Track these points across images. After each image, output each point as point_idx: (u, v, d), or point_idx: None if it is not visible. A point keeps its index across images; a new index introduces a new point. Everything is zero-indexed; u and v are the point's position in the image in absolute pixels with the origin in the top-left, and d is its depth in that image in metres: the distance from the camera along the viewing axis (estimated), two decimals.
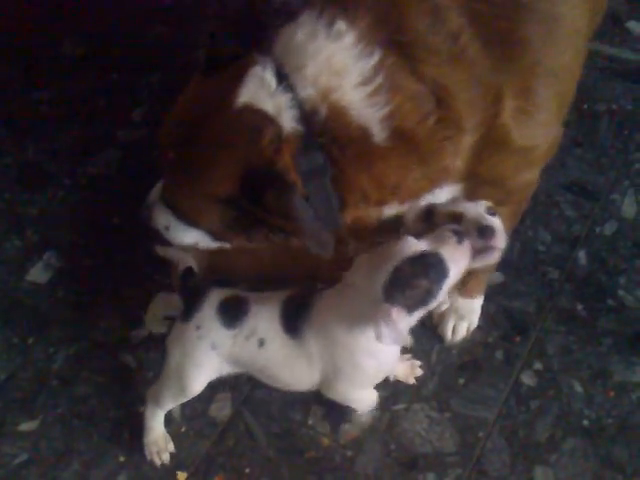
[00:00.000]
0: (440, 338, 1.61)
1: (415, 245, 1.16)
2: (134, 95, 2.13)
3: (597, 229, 1.77)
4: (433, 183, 1.09)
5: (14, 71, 2.22)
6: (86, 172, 1.98)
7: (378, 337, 1.15)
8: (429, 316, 1.63)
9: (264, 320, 1.33)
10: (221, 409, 1.54)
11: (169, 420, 1.52)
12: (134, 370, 1.61)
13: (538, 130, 1.09)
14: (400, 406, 1.52)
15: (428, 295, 1.16)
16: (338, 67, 0.97)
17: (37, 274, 1.80)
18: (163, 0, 2.36)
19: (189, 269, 1.39)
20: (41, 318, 1.72)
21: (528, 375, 1.55)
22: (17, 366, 1.64)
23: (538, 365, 1.57)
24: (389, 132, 0.99)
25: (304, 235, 1.02)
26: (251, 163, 0.98)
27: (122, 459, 1.50)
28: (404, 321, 1.16)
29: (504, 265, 1.71)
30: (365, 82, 0.97)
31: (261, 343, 1.32)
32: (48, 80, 2.20)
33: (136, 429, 1.50)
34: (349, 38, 0.96)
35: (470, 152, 1.04)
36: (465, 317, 1.59)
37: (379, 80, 0.96)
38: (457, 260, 1.17)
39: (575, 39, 1.07)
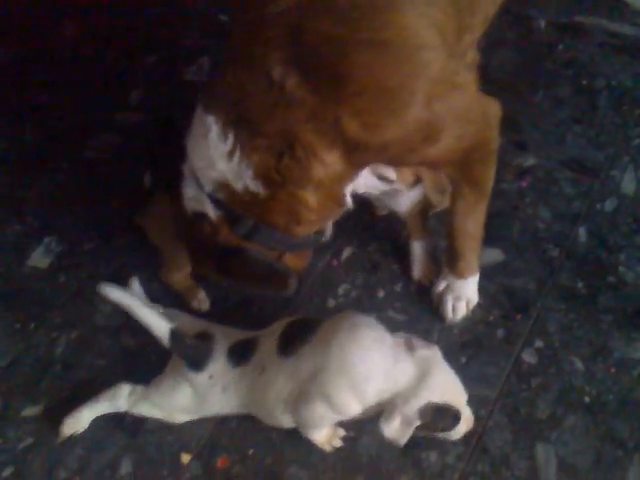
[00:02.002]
0: (441, 317, 1.61)
1: None
2: (131, 78, 2.12)
3: (597, 206, 1.76)
4: (334, 190, 1.27)
5: (10, 55, 2.21)
6: (84, 156, 1.97)
7: (385, 426, 1.26)
8: (429, 296, 1.65)
9: (267, 349, 1.39)
10: None
11: None
12: (136, 353, 1.62)
13: (396, 129, 1.18)
14: None
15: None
16: (212, 159, 1.22)
17: (38, 259, 1.80)
18: None
19: (173, 331, 1.42)
20: (43, 303, 1.72)
21: (529, 353, 1.56)
22: (19, 351, 1.65)
23: (539, 343, 1.57)
24: (262, 183, 1.22)
25: (264, 283, 1.37)
26: (209, 243, 1.32)
27: (125, 443, 1.51)
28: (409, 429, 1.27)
29: (504, 244, 1.71)
30: (229, 159, 1.21)
31: (263, 370, 1.38)
32: (44, 64, 2.19)
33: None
34: (215, 129, 1.20)
35: (344, 159, 1.20)
36: (462, 296, 1.59)
37: (237, 153, 1.20)
38: None
39: (418, 53, 1.13)
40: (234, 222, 1.28)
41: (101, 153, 1.97)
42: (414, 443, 1.44)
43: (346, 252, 1.75)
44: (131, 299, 1.47)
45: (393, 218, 1.69)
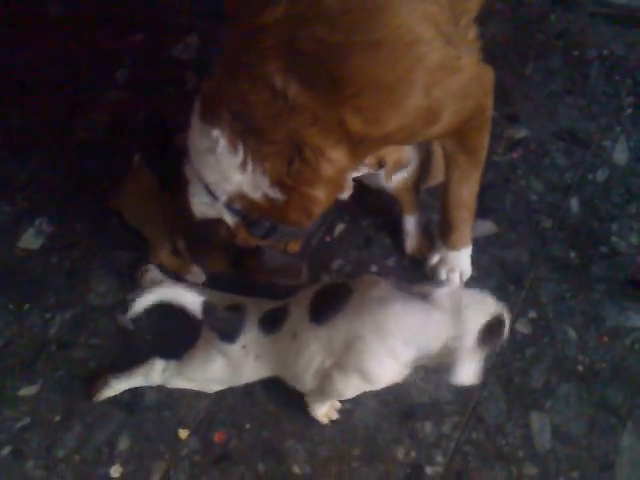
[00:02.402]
0: None
1: None
2: (118, 56, 2.10)
3: (589, 176, 1.77)
4: (340, 182, 1.29)
5: None
6: (73, 136, 1.95)
7: (456, 373, 1.26)
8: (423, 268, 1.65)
9: (298, 316, 1.40)
10: None
11: None
12: (131, 332, 1.62)
13: (398, 120, 1.20)
14: None
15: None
16: (225, 172, 1.23)
17: (29, 240, 1.79)
18: None
19: (205, 304, 1.43)
20: (36, 284, 1.72)
21: (523, 323, 1.57)
22: (14, 332, 1.65)
23: (532, 313, 1.58)
24: (279, 190, 1.24)
25: (281, 277, 1.41)
26: (225, 245, 1.35)
27: (123, 420, 1.51)
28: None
29: (497, 216, 1.71)
30: (243, 171, 1.22)
31: (294, 336, 1.38)
32: (30, 43, 2.16)
33: (136, 390, 1.52)
34: (222, 142, 1.21)
35: (350, 153, 1.23)
36: (455, 268, 1.60)
37: (250, 163, 1.21)
38: None
39: (413, 48, 1.15)
40: (251, 224, 1.30)
41: (90, 132, 1.95)
42: (409, 414, 1.46)
43: (339, 228, 1.75)
44: (158, 292, 1.45)
45: (385, 193, 1.68)
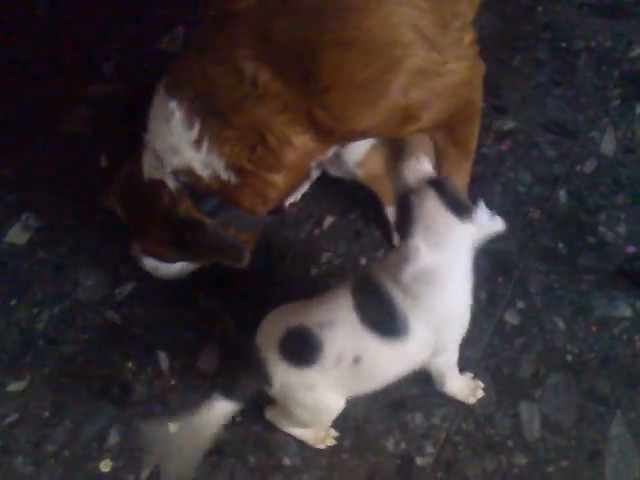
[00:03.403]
0: None
1: None
2: (104, 49, 2.08)
3: (577, 167, 1.77)
4: (304, 168, 1.30)
5: None
6: (59, 130, 1.94)
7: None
8: None
9: (346, 341, 1.22)
10: (209, 361, 1.55)
11: (159, 374, 1.54)
12: (120, 327, 1.61)
13: (371, 119, 1.21)
14: None
15: None
16: (176, 145, 1.24)
17: (16, 235, 1.78)
18: None
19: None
20: (23, 279, 1.71)
21: (511, 314, 1.57)
22: (1, 328, 1.64)
23: (521, 304, 1.58)
24: (235, 174, 1.24)
25: (221, 256, 1.36)
26: (166, 214, 1.31)
27: (113, 414, 1.51)
28: None
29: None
30: (196, 149, 1.22)
31: (357, 360, 1.22)
32: (14, 38, 2.14)
33: (125, 384, 1.51)
34: (178, 115, 1.21)
35: (317, 140, 1.23)
36: None
37: (206, 143, 1.21)
38: None
39: (387, 50, 1.15)
40: (199, 199, 1.29)
41: (76, 126, 1.94)
42: (399, 405, 1.47)
43: (328, 221, 1.75)
44: None
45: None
